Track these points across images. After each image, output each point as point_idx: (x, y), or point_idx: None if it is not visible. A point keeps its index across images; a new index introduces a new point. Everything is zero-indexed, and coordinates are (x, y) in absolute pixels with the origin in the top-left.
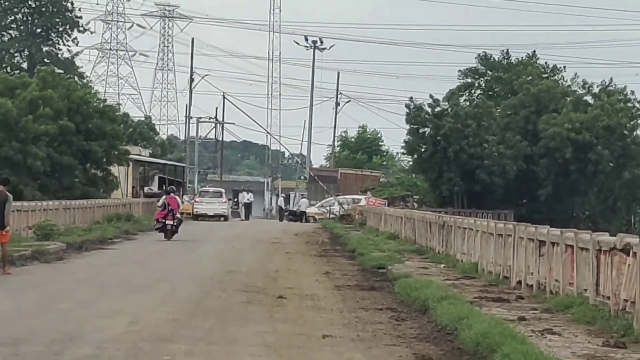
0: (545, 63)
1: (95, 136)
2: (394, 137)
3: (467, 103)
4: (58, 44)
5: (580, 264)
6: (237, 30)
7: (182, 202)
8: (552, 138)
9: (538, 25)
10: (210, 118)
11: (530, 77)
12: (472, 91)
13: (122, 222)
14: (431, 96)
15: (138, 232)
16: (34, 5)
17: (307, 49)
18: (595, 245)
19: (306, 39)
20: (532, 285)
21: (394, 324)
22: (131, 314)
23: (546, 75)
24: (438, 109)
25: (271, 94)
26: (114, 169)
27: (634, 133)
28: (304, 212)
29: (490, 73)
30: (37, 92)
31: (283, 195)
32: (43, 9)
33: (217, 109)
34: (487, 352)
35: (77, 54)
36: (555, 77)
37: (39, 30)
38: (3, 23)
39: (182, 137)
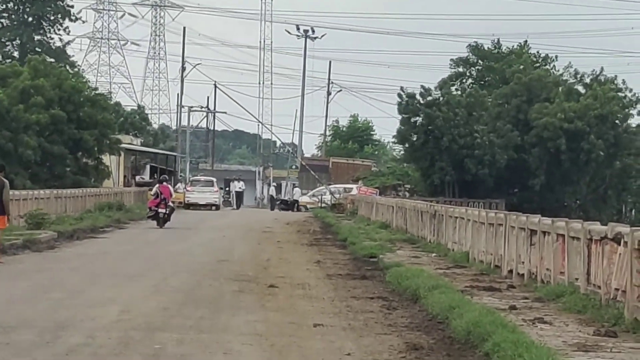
0: (537, 52)
1: (86, 125)
2: (386, 127)
3: (459, 92)
4: (50, 32)
5: (572, 253)
6: (228, 19)
7: (177, 191)
8: (545, 128)
9: (529, 15)
10: (201, 107)
11: (522, 67)
12: (464, 80)
13: (113, 211)
14: (422, 86)
15: (129, 221)
16: None
17: (298, 38)
18: (586, 234)
19: (298, 28)
20: (523, 275)
21: (385, 313)
22: (122, 302)
23: (538, 64)
24: (430, 98)
25: (263, 83)
26: (106, 158)
27: (625, 123)
28: (296, 201)
29: (481, 62)
30: (29, 81)
31: (274, 184)
32: None
33: (208, 98)
34: (478, 341)
35: (68, 42)
36: (547, 66)
37: (30, 19)
38: None
39: (174, 126)
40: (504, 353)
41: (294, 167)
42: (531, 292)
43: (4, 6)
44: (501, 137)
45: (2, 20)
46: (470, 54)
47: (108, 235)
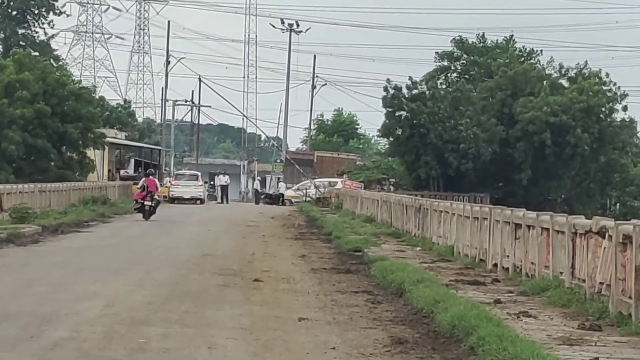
0: (523, 47)
1: (70, 119)
2: (371, 120)
3: (444, 86)
4: (34, 26)
5: (556, 247)
6: (213, 13)
7: (162, 184)
8: (530, 121)
9: (514, 9)
10: (186, 101)
11: (508, 60)
12: (449, 74)
13: (98, 205)
14: (410, 78)
15: (114, 215)
16: None
17: (283, 32)
18: (571, 228)
19: (282, 22)
20: (508, 268)
21: (370, 307)
22: (107, 297)
23: (523, 58)
24: (416, 91)
25: (247, 77)
26: (90, 152)
27: (609, 117)
28: (281, 195)
29: (466, 57)
30: (14, 76)
31: (259, 178)
32: None
33: (193, 91)
34: (462, 335)
35: (52, 36)
36: (532, 60)
37: (14, 12)
38: None
39: (158, 120)
40: (488, 347)
41: (278, 161)
42: (516, 286)
43: None
44: (486, 131)
45: None
46: (455, 48)
47: (92, 229)
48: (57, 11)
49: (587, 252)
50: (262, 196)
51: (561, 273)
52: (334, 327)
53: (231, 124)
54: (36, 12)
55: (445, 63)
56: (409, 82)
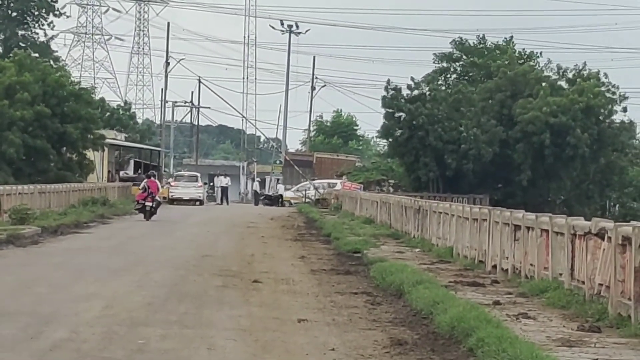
0: (523, 50)
1: (70, 119)
2: (370, 122)
3: (443, 87)
4: (34, 27)
5: (555, 248)
6: (212, 14)
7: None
8: (530, 122)
9: (513, 11)
10: (185, 102)
11: (507, 62)
12: (448, 76)
13: (97, 206)
14: (412, 78)
15: (113, 216)
16: None
17: (282, 33)
18: (570, 229)
19: (282, 23)
20: (507, 270)
21: (369, 308)
22: (106, 297)
23: (522, 61)
24: (416, 92)
25: (247, 78)
26: (90, 154)
27: (609, 119)
28: (280, 196)
29: (465, 58)
30: (15, 77)
31: (258, 179)
32: None
33: (192, 93)
34: (462, 336)
35: (52, 37)
36: (532, 62)
37: (14, 14)
38: None
39: (158, 121)
40: (487, 348)
41: (278, 162)
42: (515, 288)
43: None
44: (485, 132)
45: None
46: (454, 50)
47: (92, 230)
48: (57, 12)
49: (587, 254)
50: (262, 197)
51: (560, 274)
52: (333, 328)
53: (230, 125)
54: (36, 13)
55: (444, 64)
56: (411, 83)
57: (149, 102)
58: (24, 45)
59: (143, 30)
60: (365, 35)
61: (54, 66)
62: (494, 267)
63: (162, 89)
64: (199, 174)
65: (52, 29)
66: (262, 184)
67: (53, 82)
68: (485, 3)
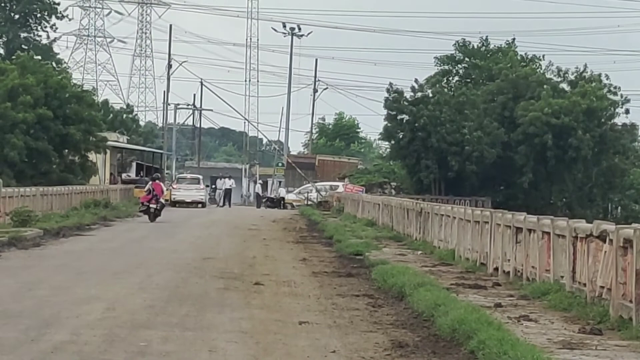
0: (525, 54)
1: (72, 121)
2: (372, 124)
3: (446, 90)
4: (36, 30)
5: (557, 250)
6: (215, 17)
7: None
8: (531, 123)
9: (515, 13)
10: (188, 105)
11: (509, 64)
12: (450, 78)
13: (99, 209)
14: (416, 80)
15: (115, 218)
16: None
17: (285, 36)
18: (571, 232)
19: (284, 26)
20: (508, 272)
21: (370, 311)
22: (108, 300)
23: (525, 64)
24: (420, 94)
25: (249, 80)
26: (92, 156)
27: (611, 121)
28: (282, 199)
29: (467, 60)
30: (18, 80)
31: (260, 182)
32: None
33: (195, 95)
34: (463, 339)
35: (54, 40)
36: (534, 66)
37: (17, 16)
38: None
39: (160, 124)
40: (489, 350)
41: (280, 164)
42: (517, 290)
43: None
44: (487, 135)
45: None
46: (457, 52)
47: (94, 232)
48: (59, 15)
49: (588, 256)
50: (264, 200)
51: (562, 277)
52: (335, 330)
53: (233, 127)
54: (38, 15)
55: (446, 67)
56: (415, 85)
57: (151, 104)
58: (26, 47)
59: (145, 33)
60: (367, 38)
61: (56, 69)
62: (496, 269)
63: (164, 92)
64: (201, 177)
65: (55, 31)
66: (264, 186)
67: (55, 84)
68: (488, 6)
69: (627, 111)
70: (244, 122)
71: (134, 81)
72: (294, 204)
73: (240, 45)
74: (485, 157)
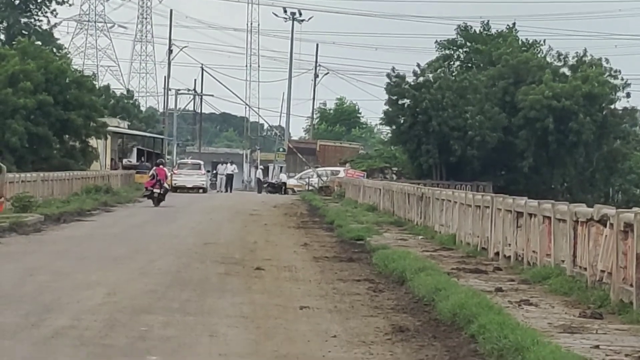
0: (526, 39)
1: (73, 107)
2: (373, 109)
3: (447, 74)
4: (37, 15)
5: (558, 235)
6: (215, 2)
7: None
8: (532, 107)
9: None
10: (189, 90)
11: (510, 49)
12: (451, 63)
13: (100, 194)
14: (418, 65)
15: (116, 204)
16: None
17: (285, 21)
18: (572, 216)
19: (285, 11)
20: (509, 257)
21: (371, 295)
22: (108, 285)
23: (525, 49)
24: (422, 78)
25: (250, 65)
26: (93, 141)
27: (612, 105)
28: (284, 184)
29: (469, 45)
30: (18, 66)
31: (262, 167)
32: None
33: (195, 80)
34: (464, 323)
35: (55, 25)
36: (535, 50)
37: (17, 1)
38: None
39: (161, 109)
40: (489, 335)
41: (281, 150)
42: (517, 275)
43: None
44: (489, 119)
45: None
46: (458, 36)
47: (95, 218)
48: (60, 0)
49: (589, 241)
50: (265, 185)
51: (562, 261)
52: (335, 315)
53: (234, 112)
54: (39, 0)
55: (447, 51)
56: (417, 69)
57: (152, 89)
58: (26, 33)
59: (146, 18)
60: (368, 23)
61: (57, 54)
62: (497, 254)
63: (165, 77)
64: (202, 162)
65: (55, 16)
66: (266, 171)
67: (55, 70)
68: None
69: (628, 95)
70: (245, 108)
71: (135, 66)
72: (295, 189)
73: (241, 30)
74: (487, 142)
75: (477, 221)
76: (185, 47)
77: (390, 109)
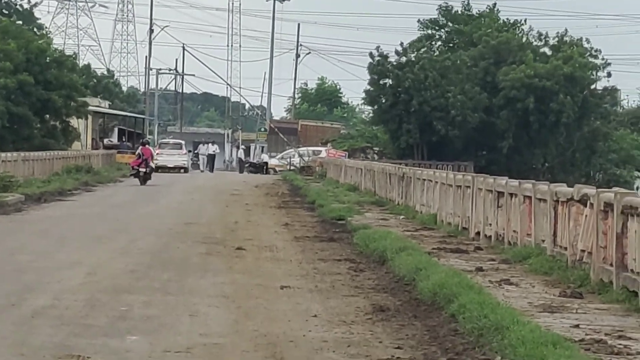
0: (507, 19)
1: (53, 87)
2: (355, 89)
3: (429, 54)
4: None
5: (538, 215)
6: None
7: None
8: (513, 87)
9: None
10: (170, 70)
11: (490, 30)
12: (433, 43)
13: (81, 174)
14: (402, 43)
15: (97, 183)
16: None
17: (267, 0)
18: (553, 196)
19: None
20: (490, 237)
21: (352, 275)
22: (89, 265)
23: (506, 29)
24: (404, 58)
25: (231, 45)
26: (73, 121)
27: (592, 85)
28: (265, 164)
29: (450, 25)
30: None
31: (243, 147)
32: None
33: (177, 60)
34: (444, 303)
35: (36, 4)
36: (516, 30)
37: None
38: None
39: (142, 89)
40: (469, 314)
41: (262, 129)
42: (498, 254)
43: None
44: (470, 100)
45: None
46: (440, 16)
47: (76, 198)
48: None
49: (569, 220)
50: (246, 165)
51: (543, 241)
52: (316, 294)
53: (215, 92)
54: None
55: (429, 31)
56: (399, 49)
57: (133, 69)
58: (7, 12)
59: None
60: (350, 3)
61: (37, 34)
62: (477, 233)
63: (146, 57)
64: (183, 142)
65: None
66: (247, 151)
67: (36, 50)
68: None
69: (609, 74)
70: (227, 88)
71: (116, 46)
72: (277, 169)
73: (223, 10)
74: (468, 122)
75: (458, 201)
76: (166, 26)
77: (372, 89)
